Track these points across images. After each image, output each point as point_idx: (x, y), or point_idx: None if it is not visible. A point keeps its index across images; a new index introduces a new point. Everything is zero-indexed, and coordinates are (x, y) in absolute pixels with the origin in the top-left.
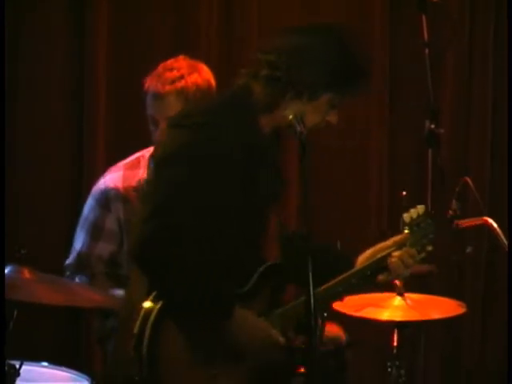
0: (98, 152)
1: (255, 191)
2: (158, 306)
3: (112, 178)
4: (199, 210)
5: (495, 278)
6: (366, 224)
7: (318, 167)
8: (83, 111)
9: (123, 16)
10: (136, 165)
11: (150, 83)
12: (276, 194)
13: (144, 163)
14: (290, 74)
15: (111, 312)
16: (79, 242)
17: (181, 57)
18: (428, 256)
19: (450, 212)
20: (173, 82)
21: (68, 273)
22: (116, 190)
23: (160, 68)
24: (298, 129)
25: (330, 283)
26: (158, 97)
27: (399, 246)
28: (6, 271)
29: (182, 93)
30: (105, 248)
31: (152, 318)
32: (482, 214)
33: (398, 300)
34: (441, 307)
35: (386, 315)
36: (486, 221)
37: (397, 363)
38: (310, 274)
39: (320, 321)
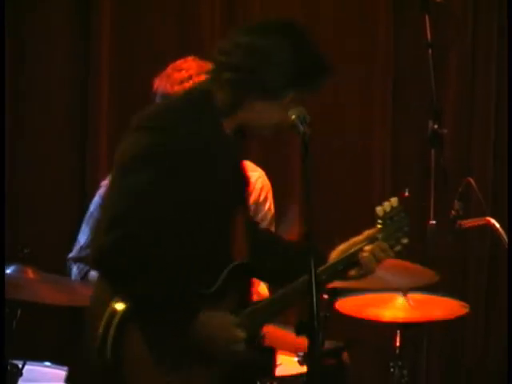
0: (101, 152)
1: (215, 192)
2: (123, 307)
3: None
4: (158, 217)
5: (498, 280)
6: (368, 224)
7: (321, 167)
8: (86, 111)
9: (126, 17)
10: None
11: (159, 84)
12: (239, 194)
13: None
14: (251, 76)
15: None
16: (83, 236)
17: (190, 57)
18: (405, 249)
19: (453, 212)
20: (181, 82)
21: (68, 263)
22: None
23: (169, 69)
24: (301, 129)
25: (299, 281)
26: (167, 97)
27: (371, 239)
28: (9, 271)
29: None
30: None
31: (116, 320)
32: (484, 215)
33: (400, 300)
34: (443, 308)
35: (388, 316)
36: (489, 221)
37: (399, 363)
38: (312, 275)
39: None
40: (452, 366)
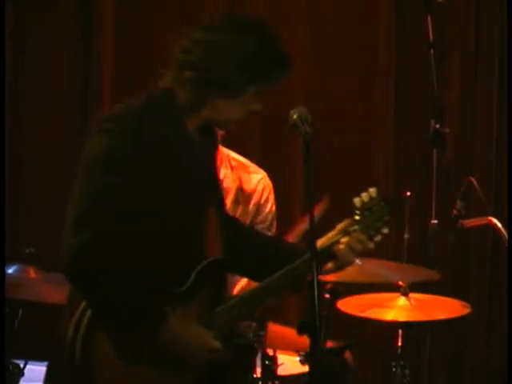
0: None
1: (180, 191)
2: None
3: None
4: (122, 216)
5: (500, 279)
6: None
7: (322, 167)
8: (86, 111)
9: (127, 17)
10: None
11: None
12: (208, 192)
13: None
14: (210, 74)
15: None
16: None
17: None
18: (385, 239)
19: (455, 212)
20: None
21: None
22: None
23: None
24: (303, 129)
25: (275, 275)
26: None
27: (344, 232)
28: (10, 270)
29: None
30: None
31: (86, 320)
32: (486, 214)
33: (402, 300)
34: (445, 307)
35: (390, 315)
36: (491, 221)
37: (401, 363)
38: (315, 275)
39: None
40: (454, 365)
